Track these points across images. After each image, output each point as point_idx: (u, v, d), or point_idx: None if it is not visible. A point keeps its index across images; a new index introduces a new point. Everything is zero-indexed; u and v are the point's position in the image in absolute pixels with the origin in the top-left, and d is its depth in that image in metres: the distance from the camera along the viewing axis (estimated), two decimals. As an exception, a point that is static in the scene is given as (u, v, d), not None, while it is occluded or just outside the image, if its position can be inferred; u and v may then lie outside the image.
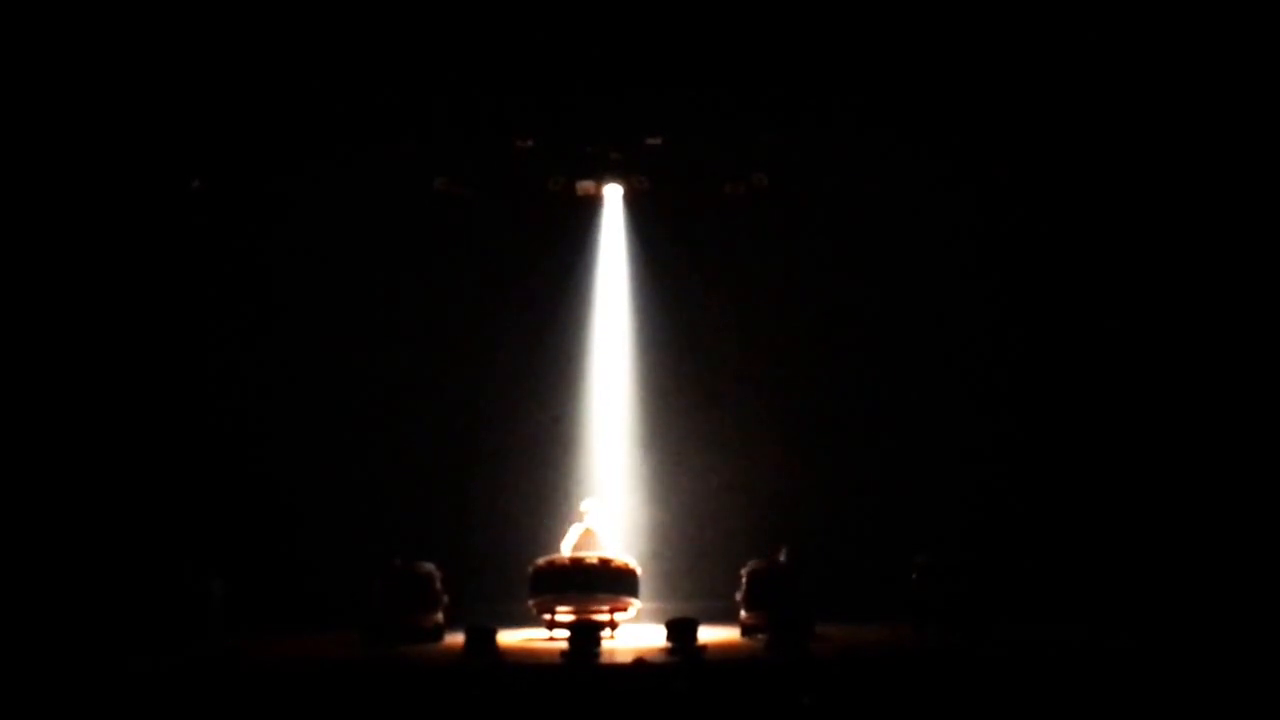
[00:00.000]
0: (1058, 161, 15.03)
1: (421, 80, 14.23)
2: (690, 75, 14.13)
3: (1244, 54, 13.78)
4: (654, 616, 13.82)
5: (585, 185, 15.81)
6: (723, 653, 12.00)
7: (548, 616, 13.65)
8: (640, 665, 10.92)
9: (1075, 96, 14.41)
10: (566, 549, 14.30)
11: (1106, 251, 15.26)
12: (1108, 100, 14.41)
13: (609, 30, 13.88)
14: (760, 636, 13.01)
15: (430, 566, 13.55)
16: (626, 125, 15.05)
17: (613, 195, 16.16)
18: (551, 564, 13.90)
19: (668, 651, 11.89)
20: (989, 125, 14.76)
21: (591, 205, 16.17)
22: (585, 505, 14.79)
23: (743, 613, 13.59)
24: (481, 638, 11.82)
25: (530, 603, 13.77)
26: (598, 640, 11.83)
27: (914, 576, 13.57)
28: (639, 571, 13.96)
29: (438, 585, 13.51)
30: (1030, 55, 14.10)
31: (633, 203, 16.18)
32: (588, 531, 14.49)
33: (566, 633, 12.25)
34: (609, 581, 13.70)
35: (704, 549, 15.58)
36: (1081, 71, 14.18)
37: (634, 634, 13.59)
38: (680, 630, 12.10)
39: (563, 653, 11.62)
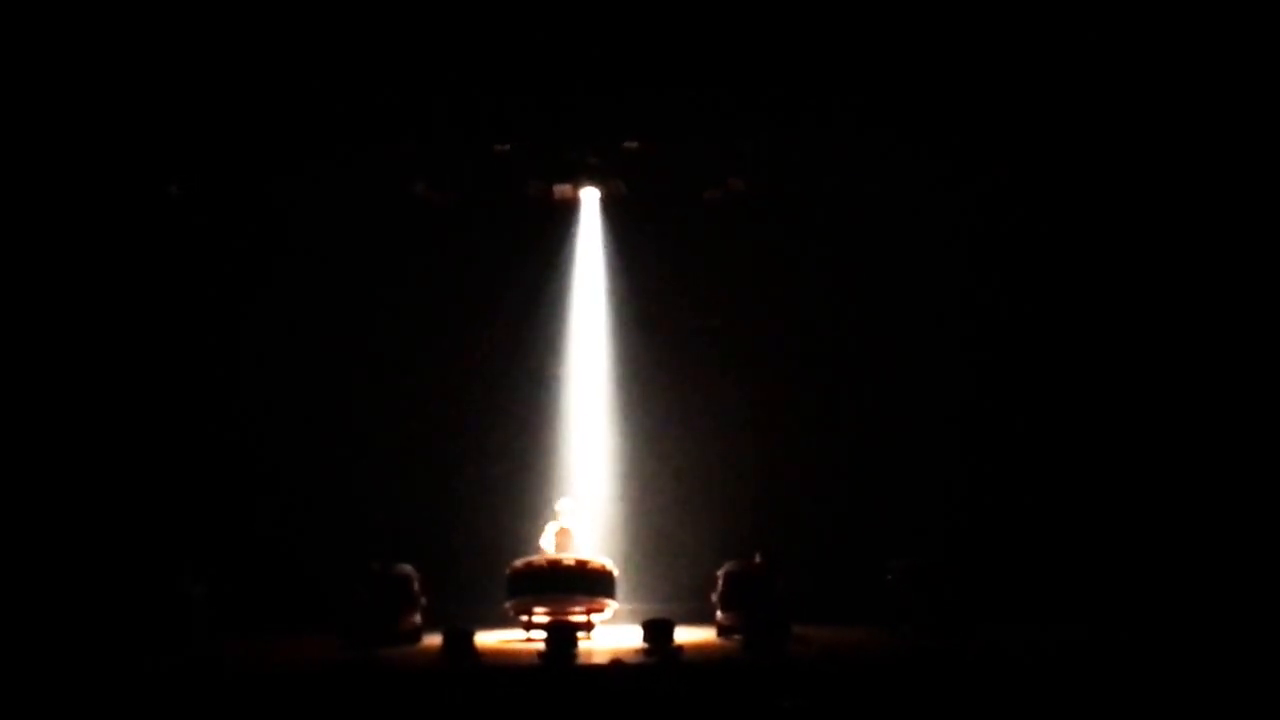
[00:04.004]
0: (1049, 162, 15.05)
1: (399, 85, 14.23)
2: (668, 80, 14.15)
3: (1244, 53, 13.84)
4: (630, 617, 13.86)
5: (563, 189, 15.83)
6: (699, 653, 12.06)
7: (525, 618, 13.68)
8: (617, 666, 10.98)
9: (1069, 95, 14.41)
10: (544, 547, 14.34)
11: (1086, 251, 15.33)
12: (1096, 97, 14.44)
13: (587, 35, 13.90)
14: (737, 637, 13.05)
15: (408, 569, 13.58)
16: (604, 130, 15.06)
17: (590, 199, 16.20)
18: (529, 565, 13.93)
19: (644, 652, 11.95)
20: (974, 128, 14.77)
21: (569, 209, 16.21)
22: (560, 505, 14.84)
23: (719, 614, 13.65)
24: (459, 639, 11.85)
25: (507, 604, 13.79)
26: (575, 641, 11.87)
27: (890, 578, 13.64)
28: (615, 573, 14.01)
29: (416, 587, 13.54)
30: (1026, 55, 14.12)
31: (610, 207, 16.21)
32: (563, 531, 14.54)
33: (543, 634, 12.28)
34: (586, 583, 13.74)
35: (680, 550, 15.63)
36: (1076, 69, 14.20)
37: (611, 635, 13.64)
38: (657, 631, 12.15)
39: (540, 654, 11.67)
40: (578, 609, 13.57)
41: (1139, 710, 10.00)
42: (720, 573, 13.76)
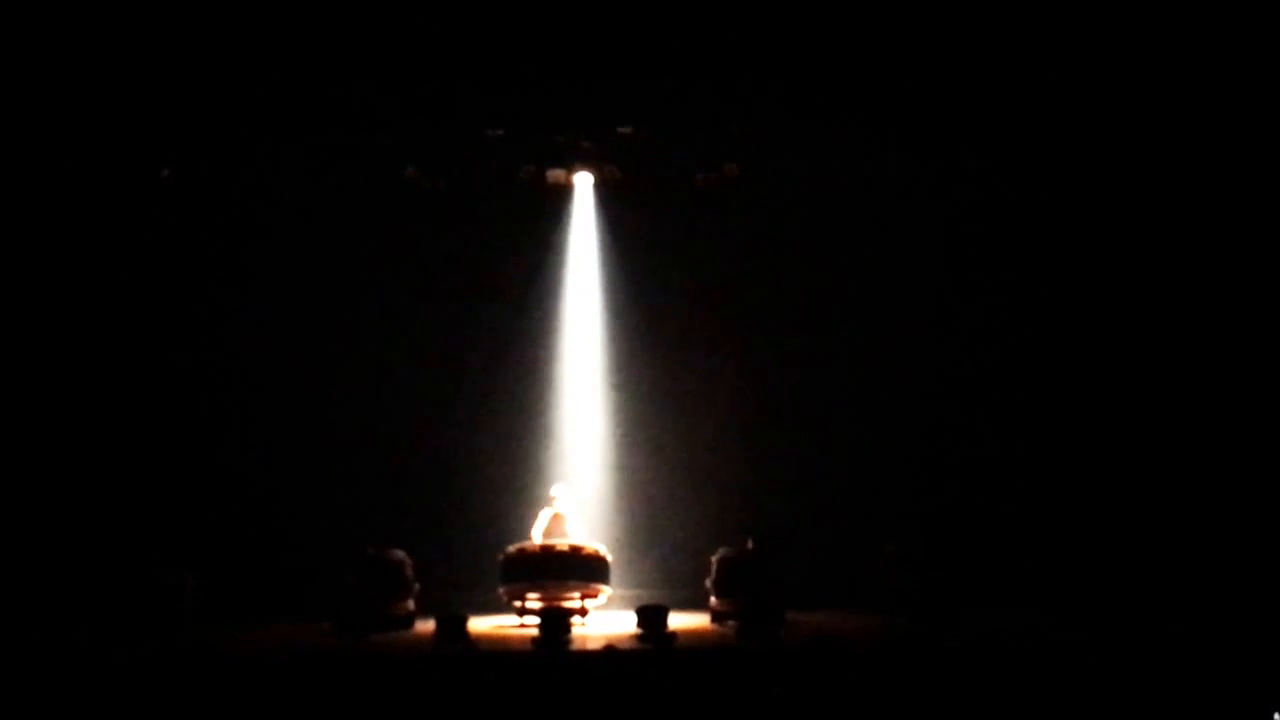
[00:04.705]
0: (1032, 154, 15.08)
1: (391, 69, 14.19)
2: (661, 65, 14.13)
3: (1237, 49, 13.85)
4: (624, 603, 13.86)
5: (556, 174, 15.81)
6: (693, 639, 12.06)
7: (518, 604, 13.66)
8: (611, 652, 10.98)
9: (1053, 86, 14.44)
10: (538, 535, 14.34)
11: (1077, 240, 15.33)
12: (1087, 88, 14.45)
13: (579, 18, 13.88)
14: (730, 623, 13.06)
15: (402, 554, 13.55)
16: (597, 114, 15.03)
17: (583, 184, 16.16)
18: (522, 551, 13.91)
19: (638, 638, 11.94)
20: (963, 116, 14.78)
21: (562, 194, 16.18)
22: (555, 490, 14.83)
23: (713, 599, 13.65)
24: (453, 625, 11.84)
25: (501, 590, 13.78)
26: (568, 627, 11.87)
27: (883, 564, 13.63)
28: (609, 558, 13.99)
29: (409, 573, 13.53)
30: (1007, 44, 14.13)
31: (603, 192, 16.19)
32: (557, 516, 14.52)
33: (537, 620, 12.28)
34: (580, 569, 13.72)
35: (674, 536, 15.63)
36: (1061, 60, 14.21)
37: (604, 621, 13.63)
38: (651, 617, 12.13)
39: (533, 640, 11.67)
40: (571, 595, 13.56)
41: (1128, 694, 10.03)
42: (714, 559, 13.75)
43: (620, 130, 15.17)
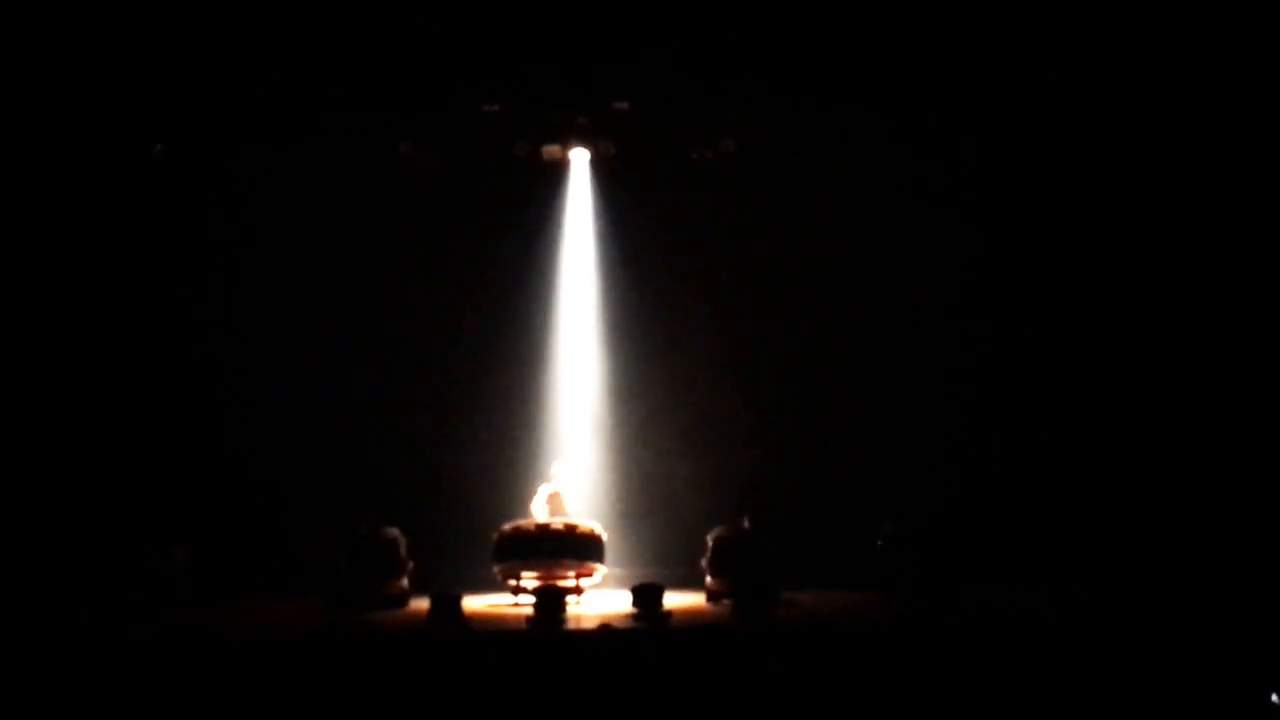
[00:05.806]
0: (1033, 137, 15.04)
1: (387, 45, 14.12)
2: (658, 40, 14.08)
3: (1226, 42, 13.85)
4: (619, 582, 13.83)
5: (551, 150, 15.73)
6: (688, 618, 12.04)
7: (513, 582, 13.65)
8: (606, 631, 10.94)
9: (1049, 72, 14.42)
10: (536, 509, 14.31)
11: (1075, 227, 15.31)
12: (1083, 75, 14.43)
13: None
14: (725, 602, 13.04)
15: (396, 532, 13.54)
16: (593, 90, 14.97)
17: (579, 160, 16.10)
18: (517, 530, 13.89)
19: (633, 617, 11.92)
20: (961, 96, 14.76)
21: (558, 170, 16.11)
22: (554, 468, 14.81)
23: (708, 579, 13.62)
24: (447, 604, 11.81)
25: (495, 568, 13.76)
26: (563, 606, 11.84)
27: (880, 544, 13.61)
28: (604, 537, 13.97)
29: (403, 551, 13.51)
30: (1007, 23, 14.10)
31: (599, 168, 16.12)
32: (555, 495, 14.50)
33: (532, 598, 12.25)
34: (574, 547, 13.71)
35: (670, 514, 15.60)
36: (1057, 47, 14.19)
37: (599, 600, 13.61)
38: (646, 596, 12.11)
39: (528, 618, 11.64)
40: (566, 573, 13.54)
41: (1124, 672, 10.02)
42: (709, 538, 13.72)
43: (616, 106, 15.10)
